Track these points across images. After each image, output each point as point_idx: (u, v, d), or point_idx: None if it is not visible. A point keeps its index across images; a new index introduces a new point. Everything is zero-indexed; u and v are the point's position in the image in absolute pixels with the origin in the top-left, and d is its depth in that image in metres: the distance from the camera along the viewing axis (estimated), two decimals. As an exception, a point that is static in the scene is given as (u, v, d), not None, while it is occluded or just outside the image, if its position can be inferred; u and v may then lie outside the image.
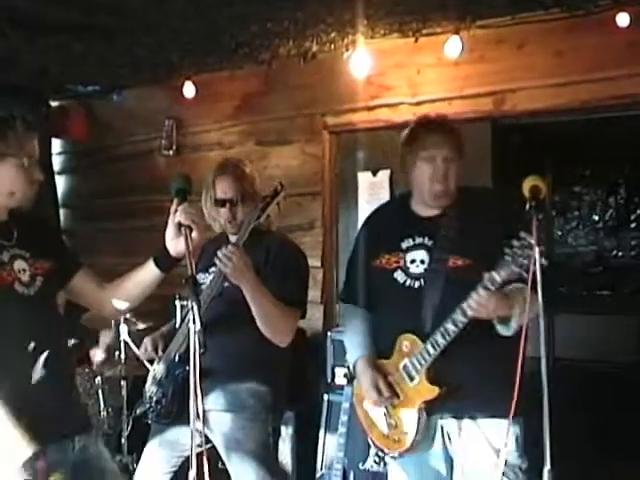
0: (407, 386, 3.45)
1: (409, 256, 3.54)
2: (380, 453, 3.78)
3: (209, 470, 3.02)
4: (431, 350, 3.34)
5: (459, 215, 3.50)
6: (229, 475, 4.00)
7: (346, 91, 5.82)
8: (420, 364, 3.38)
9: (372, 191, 5.96)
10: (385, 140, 5.92)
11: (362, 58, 5.38)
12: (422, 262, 3.49)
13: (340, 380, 5.19)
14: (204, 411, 3.84)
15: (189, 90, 6.20)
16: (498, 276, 3.14)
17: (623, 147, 7.88)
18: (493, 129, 5.55)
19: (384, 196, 5.89)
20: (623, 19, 4.76)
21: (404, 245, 3.56)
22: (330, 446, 5.07)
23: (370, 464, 5.05)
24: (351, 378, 4.85)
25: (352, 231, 6.01)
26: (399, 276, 3.54)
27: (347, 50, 5.54)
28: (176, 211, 3.07)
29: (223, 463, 4.03)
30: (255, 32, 5.30)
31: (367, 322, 3.74)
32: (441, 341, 3.31)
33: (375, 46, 5.47)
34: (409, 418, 3.46)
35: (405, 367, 3.45)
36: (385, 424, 3.57)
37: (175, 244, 3.11)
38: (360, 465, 5.07)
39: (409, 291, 3.48)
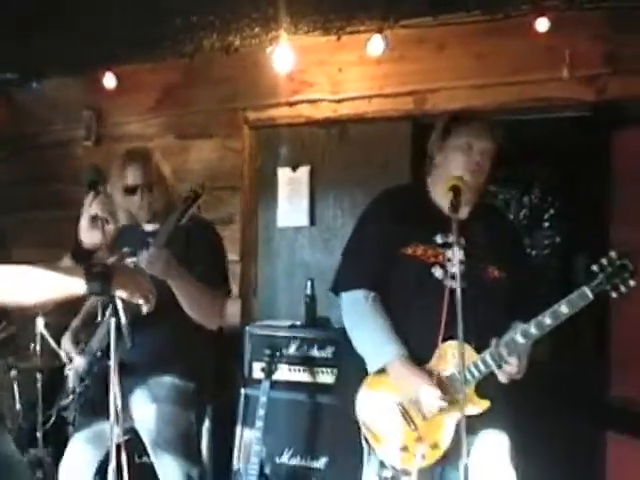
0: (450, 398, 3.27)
1: (447, 254, 3.37)
2: (391, 468, 3.40)
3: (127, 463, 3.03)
4: (491, 362, 3.26)
5: (486, 224, 3.47)
6: (146, 468, 4.02)
7: (268, 86, 5.83)
8: (473, 376, 3.27)
9: (292, 186, 5.97)
10: (305, 136, 5.97)
11: (285, 54, 5.36)
12: (461, 263, 3.25)
13: (257, 374, 5.19)
14: (127, 405, 3.89)
15: (110, 81, 6.13)
16: (590, 293, 3.14)
17: (537, 148, 8.02)
18: (413, 128, 5.60)
19: (304, 192, 5.92)
20: (542, 24, 4.86)
21: (439, 240, 3.41)
22: (247, 440, 5.08)
23: (286, 458, 5.11)
24: (269, 372, 4.87)
25: (271, 226, 6.06)
26: (437, 272, 3.38)
27: (270, 45, 5.51)
28: (91, 203, 3.04)
29: (140, 456, 4.04)
30: (179, 25, 5.27)
31: (387, 314, 3.46)
32: (505, 354, 3.24)
33: (298, 43, 5.46)
34: (442, 432, 3.32)
35: (452, 377, 3.30)
36: (404, 437, 3.36)
37: (90, 236, 3.08)
38: (277, 459, 5.11)
39: (447, 292, 3.24)
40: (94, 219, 3.05)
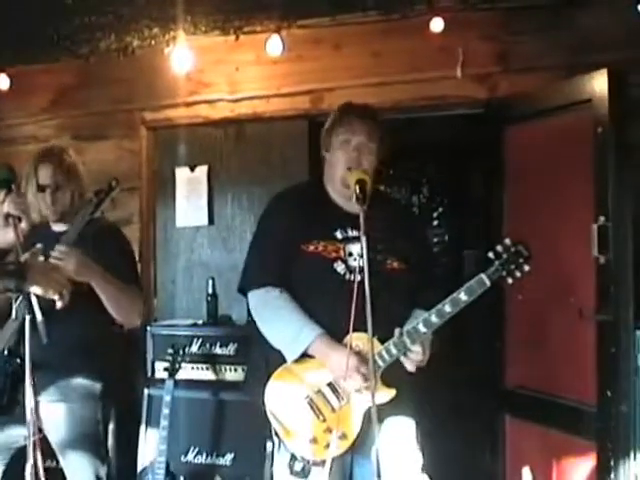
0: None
1: (347, 248, 3.46)
2: (302, 460, 3.39)
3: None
4: (395, 352, 3.30)
5: (384, 216, 3.49)
6: (52, 472, 4.00)
7: (165, 87, 5.85)
8: (378, 366, 3.29)
9: (190, 186, 5.98)
10: (203, 136, 5.98)
11: (182, 54, 5.35)
12: (361, 256, 3.26)
13: (160, 374, 5.19)
14: (37, 403, 3.85)
15: (3, 82, 6.02)
16: (487, 280, 3.24)
17: (426, 148, 8.17)
18: (310, 127, 5.65)
19: (202, 191, 5.94)
20: (437, 24, 5.00)
21: (339, 235, 3.48)
22: (151, 440, 5.08)
23: (192, 456, 5.13)
24: (173, 371, 4.88)
25: (170, 226, 6.06)
26: (339, 267, 3.44)
27: (168, 46, 5.51)
28: (4, 202, 3.04)
29: (44, 460, 4.00)
30: (77, 26, 5.22)
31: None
32: (409, 342, 3.29)
33: (195, 43, 5.48)
34: (350, 422, 3.37)
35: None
36: (313, 429, 3.38)
37: (3, 234, 3.07)
38: (182, 457, 5.12)
39: (350, 285, 3.23)
40: (6, 218, 3.04)
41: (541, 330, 4.82)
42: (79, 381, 3.96)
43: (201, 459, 5.11)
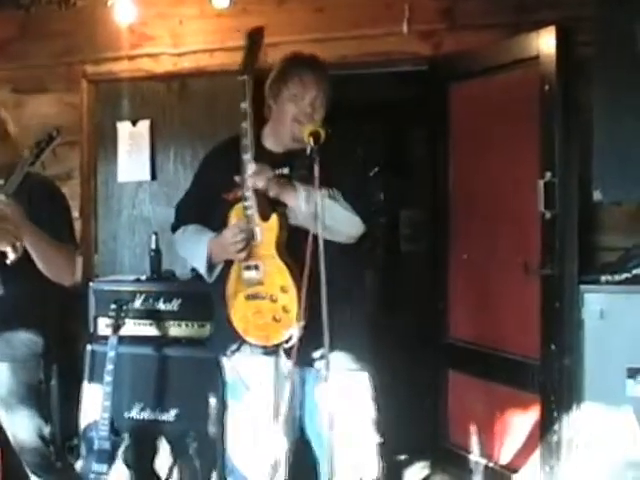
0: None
1: None
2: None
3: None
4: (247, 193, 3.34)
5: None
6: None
7: (107, 40, 5.76)
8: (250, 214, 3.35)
9: (132, 141, 5.92)
10: (145, 90, 5.92)
11: (125, 6, 5.27)
12: None
13: (103, 330, 5.16)
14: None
15: (-58, 34, 5.90)
16: None
17: (363, 105, 8.15)
18: (254, 82, 5.60)
19: (144, 146, 5.89)
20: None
21: None
22: (95, 396, 5.04)
23: (135, 412, 5.11)
24: (116, 327, 4.85)
25: (111, 181, 6.00)
26: None
27: (110, -3, 5.42)
28: None
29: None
30: (16, -24, 5.11)
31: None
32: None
33: (138, -6, 5.39)
34: (281, 277, 3.34)
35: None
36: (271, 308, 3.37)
37: None
38: (126, 413, 5.10)
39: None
40: None
41: (486, 284, 4.88)
42: (23, 338, 3.90)
43: (145, 415, 5.09)
